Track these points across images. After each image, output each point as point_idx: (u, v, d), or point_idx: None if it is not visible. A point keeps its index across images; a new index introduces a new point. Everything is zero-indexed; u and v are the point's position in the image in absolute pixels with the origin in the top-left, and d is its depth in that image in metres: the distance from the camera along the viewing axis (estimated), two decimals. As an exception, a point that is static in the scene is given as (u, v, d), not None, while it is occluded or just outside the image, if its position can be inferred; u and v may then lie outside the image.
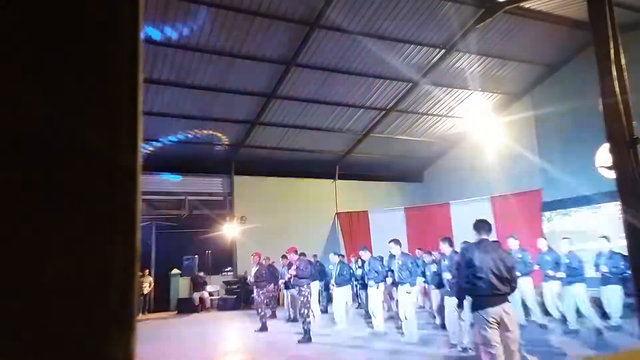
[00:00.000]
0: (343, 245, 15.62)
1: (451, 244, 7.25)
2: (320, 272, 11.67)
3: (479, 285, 4.23)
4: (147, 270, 14.30)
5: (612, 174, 3.09)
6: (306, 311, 8.29)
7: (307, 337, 8.04)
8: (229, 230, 14.58)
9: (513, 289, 4.36)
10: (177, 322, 12.38)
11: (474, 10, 10.67)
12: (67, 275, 0.44)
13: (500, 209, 13.22)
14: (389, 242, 8.22)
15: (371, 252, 9.69)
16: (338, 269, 9.96)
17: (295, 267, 8.64)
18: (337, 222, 16.31)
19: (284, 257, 10.32)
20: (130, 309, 0.47)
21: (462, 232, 12.76)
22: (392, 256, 8.44)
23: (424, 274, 9.62)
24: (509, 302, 4.33)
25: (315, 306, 10.52)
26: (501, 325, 4.21)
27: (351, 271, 11.29)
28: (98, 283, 0.45)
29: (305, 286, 8.43)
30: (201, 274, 14.76)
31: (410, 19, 10.70)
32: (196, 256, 15.06)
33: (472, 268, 4.27)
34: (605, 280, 7.79)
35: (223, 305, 14.10)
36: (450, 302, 6.68)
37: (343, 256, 11.53)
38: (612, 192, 3.11)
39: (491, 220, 5.58)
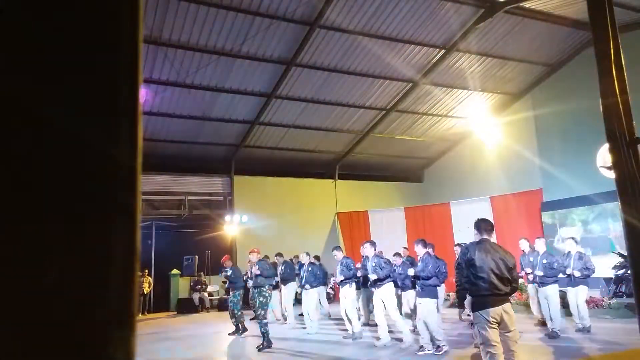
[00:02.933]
0: (343, 246, 15.61)
1: (425, 246, 6.99)
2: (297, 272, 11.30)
3: (480, 285, 4.23)
4: (147, 270, 14.30)
5: (612, 174, 3.09)
6: (263, 312, 7.78)
7: (266, 342, 7.54)
8: (229, 230, 14.58)
9: (514, 289, 4.37)
10: (177, 321, 12.37)
11: (474, 10, 10.68)
12: (67, 275, 0.44)
13: (500, 209, 13.21)
14: (363, 243, 7.95)
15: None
16: (309, 270, 9.56)
17: (257, 268, 8.02)
18: (337, 222, 16.31)
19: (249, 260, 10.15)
20: (130, 309, 0.47)
21: (462, 232, 12.86)
22: (365, 257, 8.09)
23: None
24: (509, 302, 4.33)
25: (289, 307, 10.24)
26: (501, 325, 4.22)
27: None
28: (98, 283, 0.45)
29: (267, 287, 7.95)
30: (201, 274, 14.76)
31: (410, 19, 10.71)
32: (196, 256, 15.07)
33: (472, 268, 4.28)
34: (574, 281, 7.72)
35: (223, 306, 14.09)
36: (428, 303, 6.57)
37: (318, 257, 11.41)
38: (612, 192, 3.11)
39: (491, 220, 5.56)
